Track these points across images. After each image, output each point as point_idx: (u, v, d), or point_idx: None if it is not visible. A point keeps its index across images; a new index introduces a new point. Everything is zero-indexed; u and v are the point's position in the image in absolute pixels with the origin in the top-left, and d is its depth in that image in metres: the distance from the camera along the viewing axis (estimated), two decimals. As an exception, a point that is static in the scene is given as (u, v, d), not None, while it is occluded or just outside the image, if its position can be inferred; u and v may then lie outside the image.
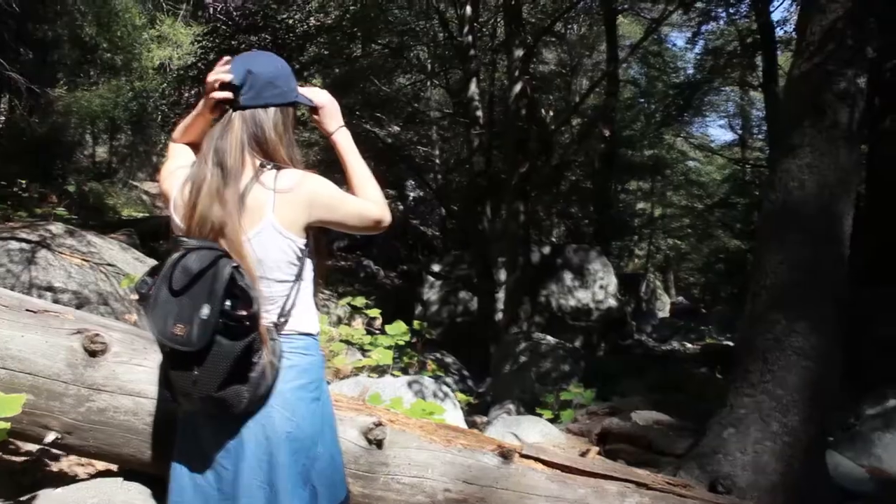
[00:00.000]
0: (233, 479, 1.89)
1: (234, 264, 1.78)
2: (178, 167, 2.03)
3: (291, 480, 1.89)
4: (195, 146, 2.08)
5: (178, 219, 1.93)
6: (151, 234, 11.30)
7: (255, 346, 1.82)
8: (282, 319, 1.94)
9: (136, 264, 8.01)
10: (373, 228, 2.04)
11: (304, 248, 1.95)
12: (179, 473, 2.00)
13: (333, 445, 2.10)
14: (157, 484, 2.63)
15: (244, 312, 1.77)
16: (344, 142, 2.12)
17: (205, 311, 1.72)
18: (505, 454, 3.00)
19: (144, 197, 17.67)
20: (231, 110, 1.95)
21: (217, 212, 1.84)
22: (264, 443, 1.88)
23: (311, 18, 14.83)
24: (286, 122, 2.00)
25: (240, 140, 1.91)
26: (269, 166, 1.92)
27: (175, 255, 1.81)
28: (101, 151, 19.38)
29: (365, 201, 2.03)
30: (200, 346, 1.74)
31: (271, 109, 1.97)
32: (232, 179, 1.87)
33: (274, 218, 1.86)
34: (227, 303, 1.75)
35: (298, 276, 1.96)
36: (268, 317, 1.91)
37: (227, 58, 2.00)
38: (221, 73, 1.94)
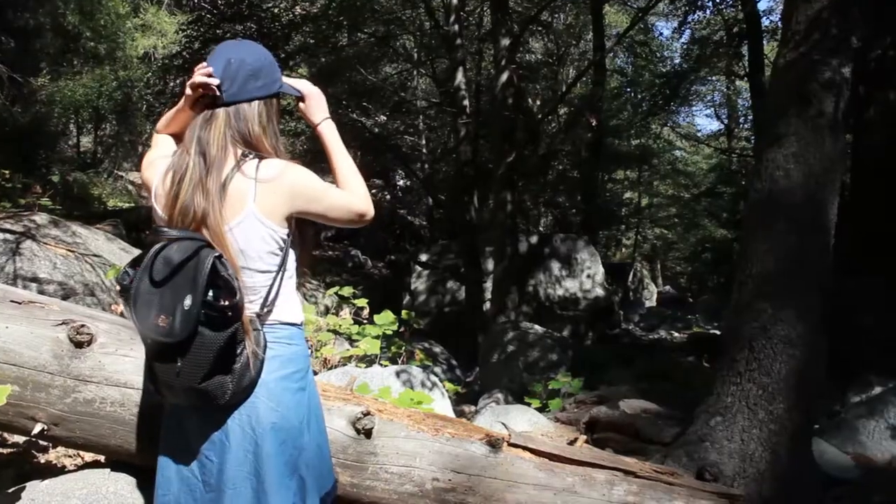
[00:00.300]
0: (218, 470, 1.88)
1: (217, 254, 1.76)
2: (159, 157, 2.01)
3: (278, 471, 1.88)
4: (178, 137, 2.05)
5: (159, 209, 1.91)
6: (137, 225, 11.23)
7: (238, 337, 1.81)
8: (265, 310, 1.92)
9: (122, 255, 7.95)
10: (356, 221, 2.02)
11: (286, 238, 1.93)
12: (165, 466, 1.99)
13: (320, 435, 2.09)
14: (145, 475, 2.62)
15: (227, 302, 1.75)
16: (329, 133, 2.09)
17: (187, 301, 1.71)
18: (493, 443, 3.01)
19: (130, 187, 17.56)
20: (214, 105, 1.93)
21: (199, 201, 1.82)
22: (250, 433, 1.87)
23: (297, 7, 14.78)
24: (270, 114, 1.99)
25: (223, 132, 1.89)
26: (251, 156, 1.90)
27: (157, 246, 1.79)
28: (86, 141, 19.23)
29: (348, 194, 2.00)
30: (183, 337, 1.72)
31: (255, 103, 1.95)
32: (214, 169, 1.85)
33: (255, 207, 1.84)
34: (210, 293, 1.73)
35: (281, 267, 1.94)
36: (250, 307, 1.89)
37: (204, 64, 1.96)
38: (202, 76, 1.91)
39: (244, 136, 1.92)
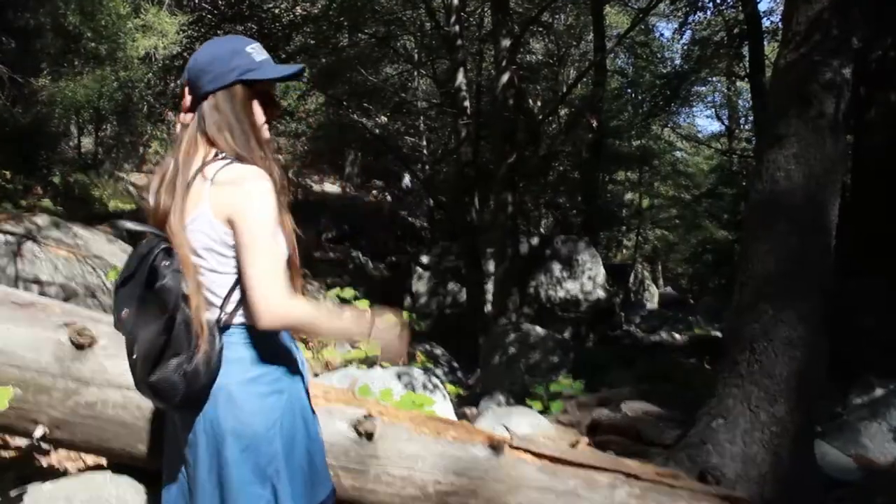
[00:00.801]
0: (194, 478, 1.88)
1: (164, 246, 1.78)
2: None
3: (241, 479, 1.82)
4: None
5: (151, 204, 1.94)
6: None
7: (184, 336, 1.76)
8: (224, 313, 1.86)
9: (124, 256, 7.95)
10: (259, 305, 1.78)
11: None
12: (166, 473, 2.00)
13: (310, 440, 2.00)
14: (148, 478, 2.63)
15: (157, 287, 1.75)
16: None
17: (138, 292, 1.76)
18: (495, 446, 3.01)
19: (131, 188, 17.55)
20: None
21: (165, 200, 1.84)
22: (212, 439, 1.83)
23: (298, 7, 14.78)
24: (230, 107, 1.87)
25: (193, 132, 1.88)
26: (221, 156, 1.85)
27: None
28: (87, 142, 19.21)
29: (277, 284, 1.79)
30: (130, 328, 1.78)
31: (209, 98, 1.87)
32: (183, 168, 1.84)
33: (208, 208, 1.80)
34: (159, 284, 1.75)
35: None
36: (212, 309, 1.86)
37: None
38: None
39: (206, 135, 1.87)
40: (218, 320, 1.85)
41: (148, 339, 1.75)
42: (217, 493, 1.84)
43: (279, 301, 1.78)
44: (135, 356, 1.78)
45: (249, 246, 1.78)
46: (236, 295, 1.87)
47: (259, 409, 1.85)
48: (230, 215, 1.78)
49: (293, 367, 1.96)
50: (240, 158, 1.84)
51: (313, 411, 2.05)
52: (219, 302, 1.86)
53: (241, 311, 1.88)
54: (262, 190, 1.80)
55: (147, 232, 1.84)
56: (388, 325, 2.01)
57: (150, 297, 1.75)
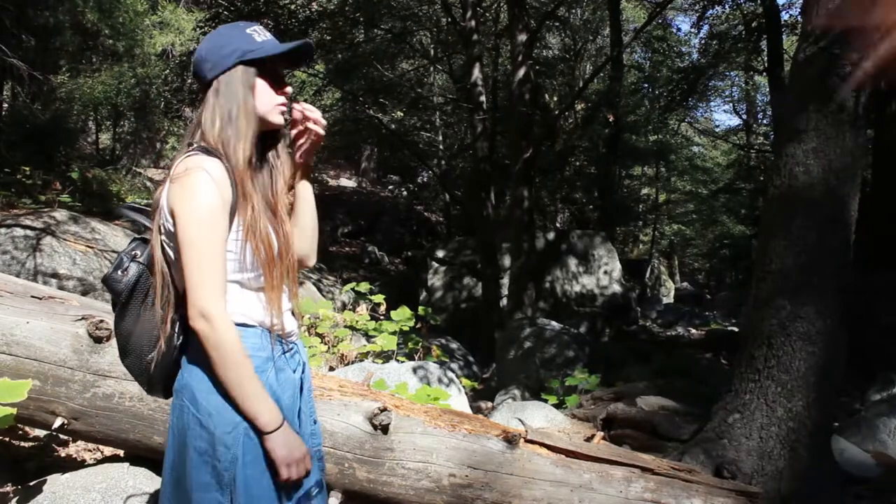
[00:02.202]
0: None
1: (140, 236, 1.84)
2: None
3: (199, 484, 1.74)
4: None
5: None
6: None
7: (146, 326, 1.82)
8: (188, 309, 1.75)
9: (141, 251, 8.01)
10: (189, 306, 1.70)
11: None
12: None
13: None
14: (164, 469, 2.64)
15: (117, 273, 1.83)
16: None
17: None
18: (510, 439, 3.01)
19: (148, 183, 17.65)
20: None
21: (157, 193, 1.84)
22: (177, 438, 1.79)
23: (314, 3, 14.81)
24: (229, 91, 1.80)
25: (194, 124, 1.85)
26: (193, 147, 1.79)
27: None
28: (105, 138, 19.36)
29: (202, 284, 1.69)
30: (114, 312, 1.87)
31: (214, 83, 1.82)
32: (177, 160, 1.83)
33: (165, 201, 1.76)
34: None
35: None
36: (177, 303, 1.79)
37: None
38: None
39: (199, 123, 1.83)
40: (182, 315, 1.77)
41: (114, 325, 1.86)
42: (175, 493, 1.81)
43: (204, 304, 1.67)
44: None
45: (180, 241, 1.71)
46: None
47: (218, 411, 1.74)
48: (172, 209, 1.73)
49: (270, 365, 1.84)
50: (205, 150, 1.76)
51: (300, 413, 1.92)
52: (182, 296, 1.78)
53: None
54: (197, 183, 1.70)
55: (135, 220, 1.90)
56: (291, 441, 1.79)
57: (107, 285, 1.83)
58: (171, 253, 1.78)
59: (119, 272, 1.82)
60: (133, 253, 1.84)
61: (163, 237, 1.78)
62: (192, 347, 1.78)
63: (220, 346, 1.68)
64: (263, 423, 1.73)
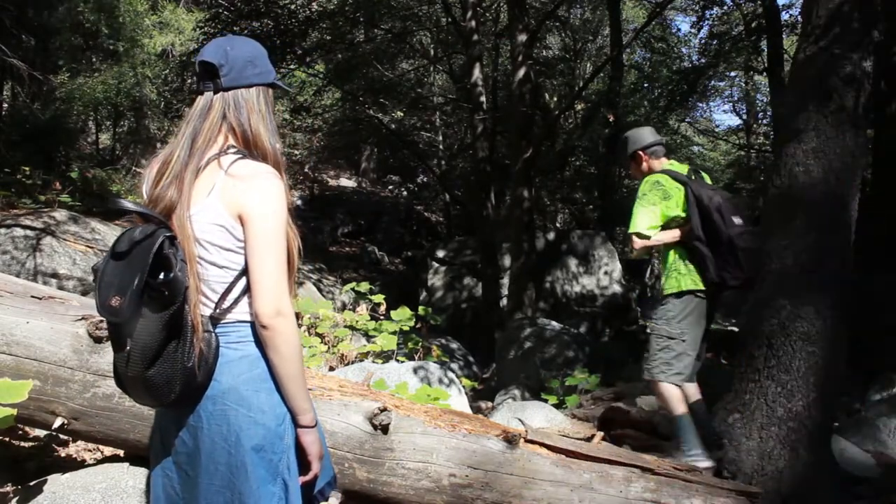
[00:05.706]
0: (193, 485, 1.82)
1: (169, 234, 1.72)
2: None
3: (257, 481, 1.78)
4: None
5: (144, 193, 1.88)
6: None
7: (184, 331, 1.72)
8: (220, 309, 1.82)
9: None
10: (261, 305, 1.76)
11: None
12: (154, 481, 1.92)
13: None
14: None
15: (162, 278, 1.68)
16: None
17: (136, 280, 1.66)
18: (510, 439, 3.01)
19: (148, 184, 17.68)
20: (212, 93, 1.86)
21: (171, 194, 1.78)
22: (222, 444, 1.78)
23: (314, 3, 14.81)
24: (268, 103, 1.92)
25: (217, 122, 1.84)
26: (234, 150, 1.83)
27: (126, 229, 1.79)
28: (105, 138, 19.38)
29: (281, 284, 1.78)
30: (126, 317, 1.67)
31: (253, 89, 1.88)
32: (194, 159, 1.80)
33: (216, 199, 1.77)
34: (161, 276, 1.68)
35: (245, 267, 1.82)
36: (206, 306, 1.81)
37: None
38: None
39: (241, 126, 1.85)
40: (212, 316, 1.81)
41: (148, 331, 1.69)
42: (223, 501, 1.79)
43: (281, 302, 1.76)
44: (128, 348, 1.71)
45: (260, 244, 1.76)
46: (236, 291, 1.82)
47: (271, 405, 1.82)
48: (242, 211, 1.76)
49: None
50: (253, 155, 1.84)
51: None
52: (215, 297, 1.81)
53: (237, 308, 1.83)
54: (277, 190, 1.79)
55: (140, 216, 1.78)
56: (314, 436, 1.91)
57: (153, 287, 1.68)
58: (213, 253, 1.79)
59: (178, 272, 1.70)
60: (173, 252, 1.72)
61: (213, 236, 1.78)
62: (230, 349, 1.82)
63: (293, 341, 1.79)
64: (311, 418, 1.88)
